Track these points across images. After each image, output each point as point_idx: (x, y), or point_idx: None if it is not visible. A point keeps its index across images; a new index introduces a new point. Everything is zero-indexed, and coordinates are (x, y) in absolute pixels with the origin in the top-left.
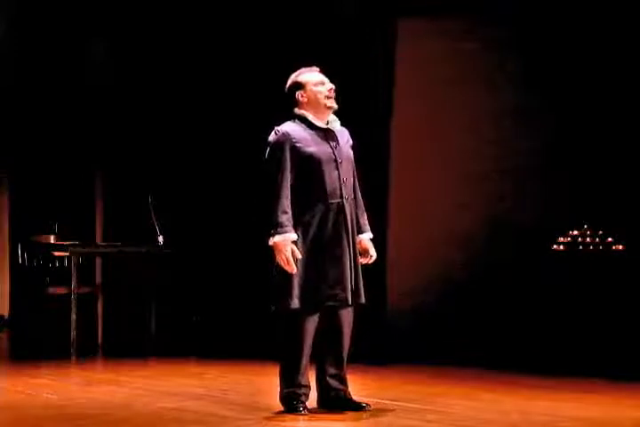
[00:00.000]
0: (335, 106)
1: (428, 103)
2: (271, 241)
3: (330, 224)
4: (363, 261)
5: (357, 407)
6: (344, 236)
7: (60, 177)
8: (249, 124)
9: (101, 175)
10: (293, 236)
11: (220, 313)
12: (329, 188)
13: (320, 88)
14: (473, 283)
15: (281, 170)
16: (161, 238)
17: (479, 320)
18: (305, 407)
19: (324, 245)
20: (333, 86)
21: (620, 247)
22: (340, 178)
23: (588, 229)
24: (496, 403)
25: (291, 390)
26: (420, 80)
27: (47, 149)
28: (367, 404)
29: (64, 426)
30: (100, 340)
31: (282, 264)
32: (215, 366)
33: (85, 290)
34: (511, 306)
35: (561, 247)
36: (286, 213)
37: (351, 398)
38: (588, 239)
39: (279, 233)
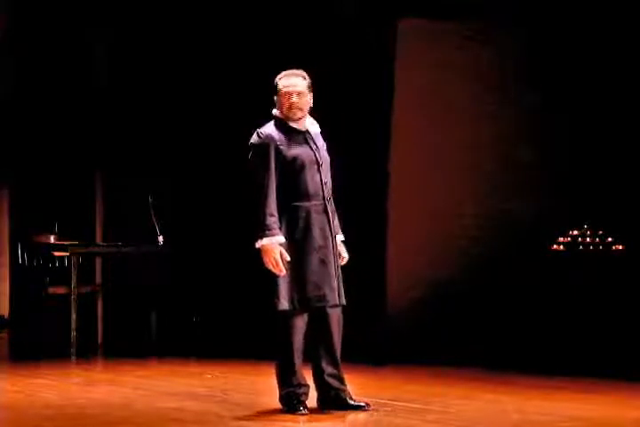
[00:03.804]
0: (295, 116)
1: (428, 103)
2: (259, 244)
3: (313, 226)
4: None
5: (357, 407)
6: (328, 237)
7: (60, 177)
8: (249, 125)
9: (101, 175)
10: (281, 238)
11: (221, 313)
12: (312, 190)
13: (284, 100)
14: (472, 283)
15: (267, 172)
16: (161, 238)
17: (479, 320)
18: (305, 407)
19: (309, 247)
20: (295, 101)
21: (620, 247)
22: (321, 180)
23: (588, 229)
24: (496, 403)
25: (290, 390)
26: (420, 80)
27: (47, 149)
28: (366, 404)
29: (64, 426)
30: (99, 340)
31: (270, 267)
32: (215, 366)
33: (85, 290)
34: (511, 306)
35: (561, 247)
36: (273, 215)
37: (351, 398)
38: (588, 239)
39: (267, 236)
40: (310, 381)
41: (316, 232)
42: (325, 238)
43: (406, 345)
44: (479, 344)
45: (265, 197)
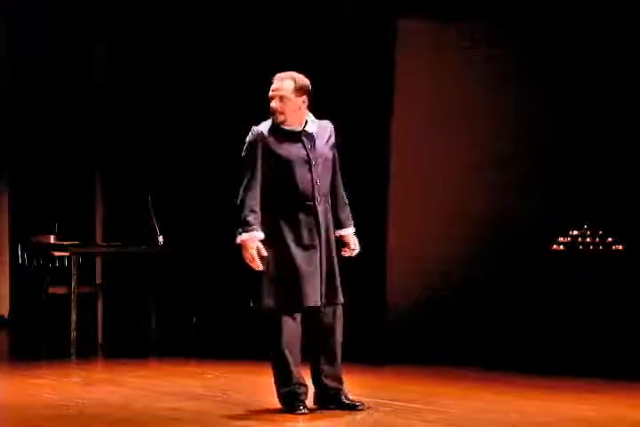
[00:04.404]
0: (277, 120)
1: (428, 102)
2: (239, 239)
3: (301, 226)
4: (345, 254)
5: (352, 407)
6: (315, 237)
7: (59, 177)
8: (248, 124)
9: (101, 175)
10: (260, 234)
11: (220, 313)
12: (301, 190)
13: (269, 104)
14: (472, 283)
15: (252, 170)
16: (161, 238)
17: (479, 320)
18: (305, 406)
19: (295, 247)
20: (274, 106)
21: (620, 247)
22: (312, 180)
23: (588, 229)
24: (496, 403)
25: (288, 389)
26: (420, 80)
27: (47, 149)
28: (361, 403)
29: (64, 426)
30: (99, 340)
31: (247, 262)
32: (215, 366)
33: (85, 290)
34: (511, 306)
35: (561, 247)
36: (254, 212)
37: (346, 398)
38: (588, 239)
39: (246, 231)
40: (309, 380)
41: (304, 232)
42: (312, 239)
43: (406, 345)
44: (479, 344)
45: (247, 193)
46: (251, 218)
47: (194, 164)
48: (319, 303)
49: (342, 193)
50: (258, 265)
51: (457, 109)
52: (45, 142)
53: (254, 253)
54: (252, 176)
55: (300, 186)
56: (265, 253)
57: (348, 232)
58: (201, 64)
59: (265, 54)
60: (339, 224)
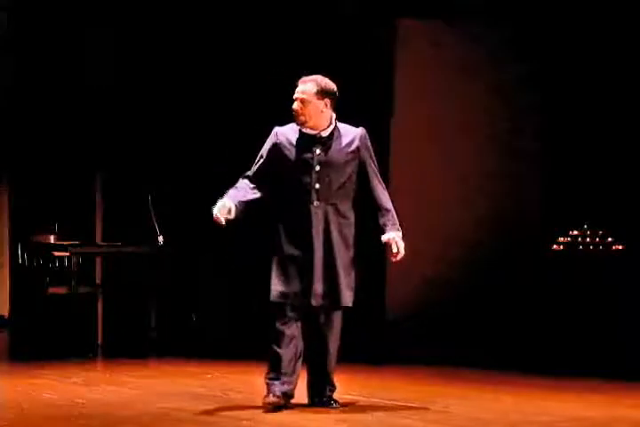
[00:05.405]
0: (297, 121)
1: (428, 103)
2: None
3: (295, 228)
4: (392, 259)
5: (326, 403)
6: (309, 240)
7: (59, 177)
8: (248, 124)
9: (101, 175)
10: (226, 200)
11: (220, 313)
12: (297, 192)
13: None
14: (473, 283)
15: (255, 163)
16: (161, 238)
17: (479, 320)
18: (275, 396)
19: (288, 248)
20: (294, 108)
21: (620, 247)
22: (311, 184)
23: (588, 229)
24: (496, 403)
25: (269, 377)
26: (420, 80)
27: (47, 149)
28: (337, 402)
29: (64, 426)
30: (99, 340)
31: None
32: (215, 366)
33: (85, 290)
34: (511, 306)
35: (561, 247)
36: (235, 188)
37: (329, 396)
38: (588, 239)
39: (220, 200)
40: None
41: (297, 234)
42: (303, 241)
43: (406, 345)
44: (479, 344)
45: (241, 178)
46: (229, 191)
47: (194, 164)
48: (298, 303)
49: (380, 198)
50: (217, 217)
51: (457, 109)
52: (45, 142)
53: (216, 212)
54: (253, 169)
55: (297, 188)
56: (232, 212)
57: (388, 237)
58: (201, 64)
59: (265, 54)
60: (381, 230)
